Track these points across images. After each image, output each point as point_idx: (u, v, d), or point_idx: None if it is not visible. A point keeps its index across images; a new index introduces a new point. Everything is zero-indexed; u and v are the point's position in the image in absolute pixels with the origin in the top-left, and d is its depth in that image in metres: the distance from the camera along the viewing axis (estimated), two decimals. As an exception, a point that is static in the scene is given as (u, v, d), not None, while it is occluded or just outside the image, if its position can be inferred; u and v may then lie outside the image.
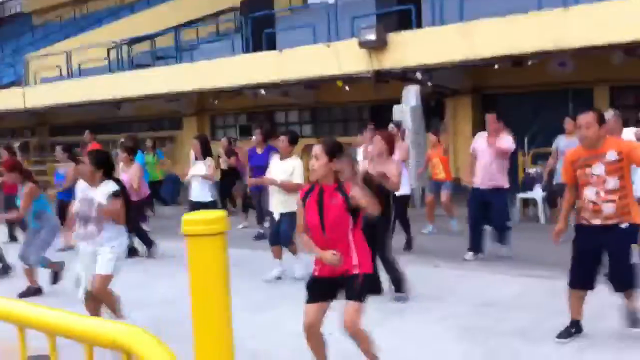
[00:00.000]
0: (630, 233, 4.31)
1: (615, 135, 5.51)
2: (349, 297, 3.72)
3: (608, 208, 4.30)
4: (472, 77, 13.06)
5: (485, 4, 11.01)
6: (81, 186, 5.07)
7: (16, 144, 11.20)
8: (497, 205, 7.00)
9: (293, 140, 6.71)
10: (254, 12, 13.60)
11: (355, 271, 3.73)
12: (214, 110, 17.70)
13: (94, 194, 4.92)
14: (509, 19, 10.05)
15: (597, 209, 4.33)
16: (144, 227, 9.12)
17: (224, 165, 11.07)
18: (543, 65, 11.17)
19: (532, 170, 10.09)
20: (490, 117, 7.08)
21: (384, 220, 5.38)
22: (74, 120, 19.87)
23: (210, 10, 20.93)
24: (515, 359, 4.37)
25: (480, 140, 7.20)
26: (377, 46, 11.16)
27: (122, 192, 4.96)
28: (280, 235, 6.74)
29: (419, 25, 11.32)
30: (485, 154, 7.02)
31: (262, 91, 13.71)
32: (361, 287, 3.72)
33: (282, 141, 6.65)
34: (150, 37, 17.36)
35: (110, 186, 4.94)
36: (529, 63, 10.77)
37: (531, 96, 12.61)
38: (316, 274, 3.85)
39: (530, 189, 9.78)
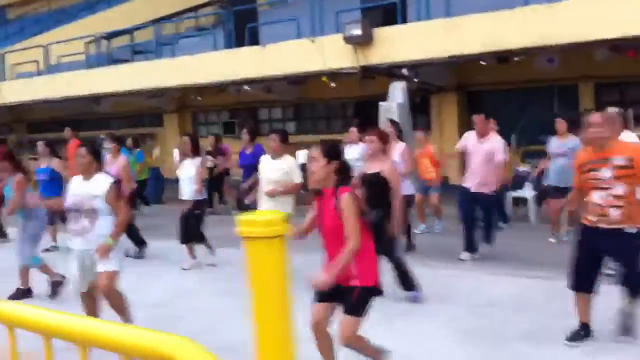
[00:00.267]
0: (638, 237, 4.22)
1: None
2: (344, 310, 3.61)
3: (614, 213, 4.20)
4: (457, 74, 12.99)
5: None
6: (74, 180, 4.90)
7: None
8: (487, 206, 6.91)
9: (284, 139, 6.54)
10: (236, 6, 13.37)
11: (354, 283, 3.58)
12: (195, 107, 17.44)
13: (88, 187, 4.74)
14: (496, 15, 9.97)
15: (603, 213, 4.23)
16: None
17: (210, 164, 10.91)
18: (528, 62, 11.14)
19: (521, 169, 10.01)
20: (477, 119, 6.95)
21: (388, 218, 5.21)
22: (52, 117, 19.44)
23: (189, 4, 20.60)
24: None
25: (471, 140, 7.07)
26: (363, 41, 11.01)
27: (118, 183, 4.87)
28: None
29: (404, 20, 11.21)
30: (476, 156, 6.91)
31: (246, 87, 13.49)
32: (357, 301, 3.57)
33: (273, 140, 6.47)
34: (129, 31, 17.01)
35: (105, 178, 4.81)
36: (515, 59, 10.71)
37: (516, 93, 12.58)
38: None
39: (521, 187, 9.71)
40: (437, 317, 5.18)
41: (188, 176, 7.44)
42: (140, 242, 8.25)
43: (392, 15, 11.08)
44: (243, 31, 12.99)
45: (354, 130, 8.70)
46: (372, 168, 5.38)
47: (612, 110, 5.65)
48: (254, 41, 12.92)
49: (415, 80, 11.74)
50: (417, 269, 5.85)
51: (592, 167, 4.26)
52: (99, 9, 22.28)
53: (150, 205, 12.57)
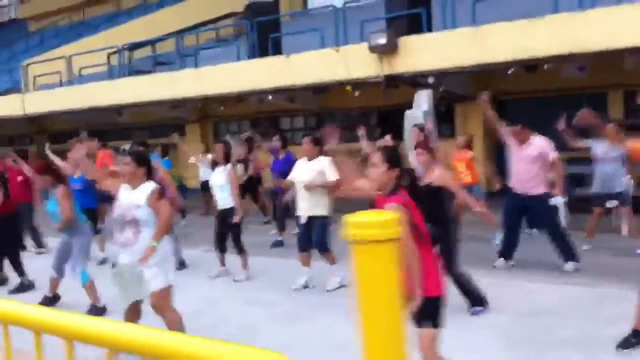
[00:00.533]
0: None
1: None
2: (414, 324, 3.52)
3: None
4: (482, 82, 12.87)
5: (498, 7, 10.84)
6: (121, 190, 4.73)
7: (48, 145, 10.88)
8: (537, 211, 6.79)
9: (316, 142, 6.55)
10: (259, 17, 13.39)
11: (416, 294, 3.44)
12: (217, 117, 17.45)
13: (133, 196, 4.58)
14: (523, 23, 9.88)
15: None
16: None
17: (242, 172, 10.87)
18: (555, 70, 11.00)
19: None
20: (513, 131, 6.91)
21: (447, 233, 5.14)
22: (73, 127, 19.56)
23: (209, 16, 20.70)
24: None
25: (512, 147, 7.02)
26: (388, 50, 10.96)
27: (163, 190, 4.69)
28: (315, 243, 6.54)
29: (430, 29, 11.14)
30: (519, 161, 6.85)
31: (269, 97, 13.47)
32: (421, 312, 3.43)
33: (306, 143, 6.50)
34: (152, 43, 17.11)
35: (150, 186, 4.61)
36: (545, 67, 10.59)
37: (543, 101, 12.42)
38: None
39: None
40: (483, 325, 5.07)
41: (220, 184, 7.37)
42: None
43: (418, 24, 11.02)
44: (266, 42, 12.99)
45: (388, 138, 8.67)
46: (426, 179, 5.30)
47: None
48: (277, 51, 12.91)
49: (441, 88, 11.66)
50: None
51: None
52: (119, 22, 22.45)
53: (186, 216, 12.36)
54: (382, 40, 10.90)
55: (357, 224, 1.89)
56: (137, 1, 24.51)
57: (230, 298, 6.70)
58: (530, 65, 10.62)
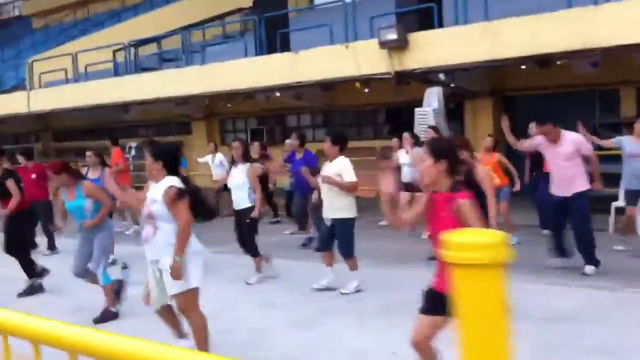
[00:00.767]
0: None
1: None
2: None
3: None
4: (493, 79, 12.73)
5: (510, 2, 10.69)
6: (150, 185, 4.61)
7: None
8: (578, 209, 6.57)
9: (336, 141, 6.33)
10: (266, 13, 13.24)
11: None
12: (223, 114, 17.33)
13: (154, 191, 4.43)
14: (536, 18, 9.71)
15: None
16: None
17: (260, 171, 10.75)
18: (567, 66, 10.83)
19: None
20: (545, 129, 6.68)
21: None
22: (78, 125, 19.49)
23: (215, 12, 20.57)
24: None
25: (544, 146, 6.81)
26: (398, 46, 10.79)
27: (184, 190, 4.38)
28: (338, 247, 6.41)
29: (441, 24, 10.98)
30: (555, 160, 6.66)
31: (277, 93, 13.34)
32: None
33: (325, 143, 6.32)
34: (157, 39, 16.98)
35: (168, 181, 4.38)
36: (557, 63, 10.42)
37: (554, 97, 12.27)
38: (433, 285, 3.43)
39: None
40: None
41: (238, 184, 7.16)
42: None
43: (428, 20, 10.86)
44: (274, 38, 12.86)
45: (407, 136, 8.57)
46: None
47: None
48: (285, 48, 12.77)
49: (452, 85, 11.50)
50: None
51: None
52: (124, 18, 22.35)
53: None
54: (393, 36, 10.73)
55: (458, 244, 1.64)
56: (142, -3, 24.39)
57: (244, 300, 6.58)
58: (543, 61, 10.44)
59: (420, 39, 10.75)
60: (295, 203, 9.39)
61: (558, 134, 6.64)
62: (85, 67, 16.49)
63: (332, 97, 14.54)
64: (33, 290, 7.25)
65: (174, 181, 4.40)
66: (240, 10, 19.28)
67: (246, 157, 7.25)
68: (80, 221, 6.06)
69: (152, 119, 17.91)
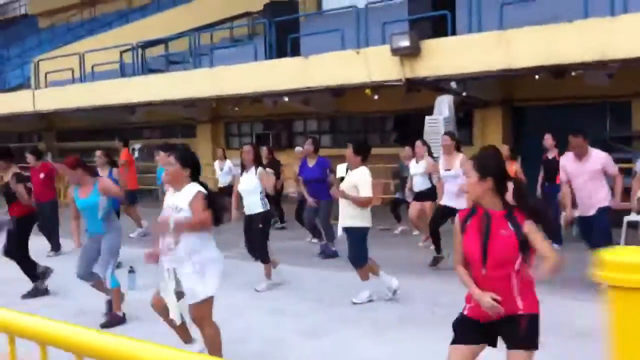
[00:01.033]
0: None
1: None
2: (513, 345, 3.07)
3: None
4: (504, 88, 12.62)
5: (525, 10, 10.57)
6: (167, 192, 4.44)
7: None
8: (600, 225, 6.35)
9: (357, 150, 6.10)
10: (277, 17, 13.14)
11: (519, 311, 3.07)
12: (229, 118, 17.22)
13: (176, 199, 4.26)
14: (552, 27, 9.60)
15: None
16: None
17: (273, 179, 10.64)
18: (579, 77, 10.71)
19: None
20: (576, 140, 6.31)
21: None
22: (83, 125, 19.37)
23: (223, 15, 20.49)
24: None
25: (569, 163, 6.50)
26: (410, 53, 10.67)
27: (207, 195, 4.26)
28: (349, 257, 6.26)
29: (454, 32, 10.86)
30: (579, 178, 6.38)
31: (285, 98, 13.22)
32: (527, 332, 3.06)
33: (348, 150, 6.12)
34: (165, 41, 16.88)
35: (194, 187, 4.23)
36: (572, 74, 10.30)
37: (564, 109, 12.14)
38: (466, 312, 3.21)
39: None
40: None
41: (249, 189, 6.99)
42: None
43: (442, 27, 10.73)
44: (284, 42, 12.74)
45: (419, 144, 8.45)
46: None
47: None
48: (295, 52, 12.66)
49: (464, 94, 11.38)
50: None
51: None
52: (132, 19, 22.27)
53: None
54: (405, 43, 10.61)
55: (618, 265, 1.47)
56: (150, -2, 24.33)
57: (253, 307, 6.43)
58: (558, 72, 10.31)
59: (432, 46, 10.63)
60: (306, 215, 9.14)
61: (587, 149, 6.40)
62: (92, 68, 16.38)
63: (340, 103, 14.42)
64: (38, 292, 7.10)
65: (200, 187, 4.27)
66: (248, 14, 19.18)
67: (258, 162, 7.07)
68: (93, 220, 5.89)
69: (158, 121, 17.79)
